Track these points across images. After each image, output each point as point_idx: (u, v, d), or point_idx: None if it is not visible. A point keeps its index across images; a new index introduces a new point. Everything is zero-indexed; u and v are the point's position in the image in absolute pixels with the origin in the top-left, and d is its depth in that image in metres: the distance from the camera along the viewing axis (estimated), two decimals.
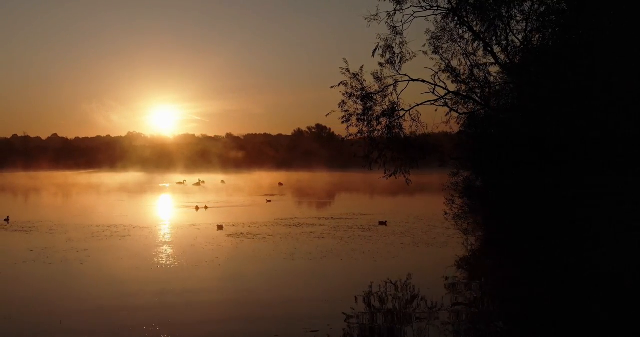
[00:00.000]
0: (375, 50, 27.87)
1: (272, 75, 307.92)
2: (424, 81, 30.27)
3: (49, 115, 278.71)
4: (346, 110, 30.43)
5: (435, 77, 30.70)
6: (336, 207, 44.25)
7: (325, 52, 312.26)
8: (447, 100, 31.27)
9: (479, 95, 31.54)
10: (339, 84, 30.61)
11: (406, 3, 26.82)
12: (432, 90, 30.50)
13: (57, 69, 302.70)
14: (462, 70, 31.72)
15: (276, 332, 12.32)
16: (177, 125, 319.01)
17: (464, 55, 30.71)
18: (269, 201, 48.28)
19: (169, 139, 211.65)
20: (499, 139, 30.24)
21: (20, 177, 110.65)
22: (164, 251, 22.77)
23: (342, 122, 30.76)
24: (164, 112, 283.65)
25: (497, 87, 30.17)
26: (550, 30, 27.69)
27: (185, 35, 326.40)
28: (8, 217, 33.12)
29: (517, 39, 28.71)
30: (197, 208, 39.99)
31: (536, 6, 28.96)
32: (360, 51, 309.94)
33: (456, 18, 27.70)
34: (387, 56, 27.54)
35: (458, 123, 36.86)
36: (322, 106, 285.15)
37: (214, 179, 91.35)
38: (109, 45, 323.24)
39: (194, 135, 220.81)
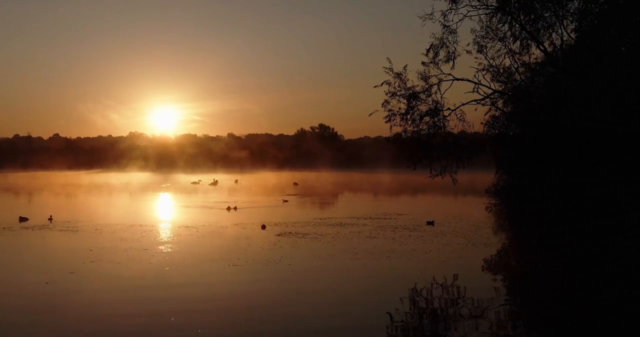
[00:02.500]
0: (429, 49, 28.09)
1: (273, 75, 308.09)
2: (468, 80, 30.51)
3: (50, 115, 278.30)
4: (390, 110, 30.66)
5: (478, 75, 30.95)
6: (366, 207, 44.30)
7: (325, 52, 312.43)
8: (492, 99, 31.50)
9: (524, 93, 31.75)
10: (382, 84, 30.94)
11: (461, 2, 27.06)
12: (475, 90, 30.74)
13: (57, 69, 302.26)
14: (507, 69, 32.00)
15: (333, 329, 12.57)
16: (177, 125, 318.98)
17: (509, 54, 30.95)
18: (286, 201, 48.06)
19: (170, 139, 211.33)
20: (547, 138, 30.45)
21: (29, 178, 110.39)
22: (226, 250, 22.78)
23: (386, 122, 31.03)
24: (165, 112, 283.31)
25: (543, 85, 30.40)
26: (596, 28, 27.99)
27: (185, 35, 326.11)
28: (51, 216, 33.16)
29: (569, 35, 28.93)
30: (228, 209, 39.95)
31: (585, 6, 29.26)
32: (360, 51, 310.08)
33: (508, 17, 27.89)
34: (442, 54, 27.77)
35: (499, 122, 37.08)
36: (323, 106, 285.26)
37: (226, 179, 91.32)
38: (109, 45, 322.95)
39: (195, 135, 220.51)
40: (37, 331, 12.45)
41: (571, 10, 28.87)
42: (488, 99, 31.19)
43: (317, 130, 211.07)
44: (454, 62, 28.26)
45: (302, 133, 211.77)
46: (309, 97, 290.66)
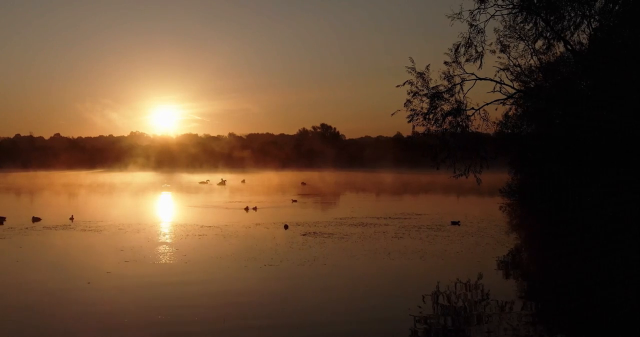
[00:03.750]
0: (457, 48, 28.00)
1: (274, 74, 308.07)
2: (491, 80, 30.39)
3: (50, 115, 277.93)
4: (412, 109, 30.56)
5: (501, 75, 30.86)
6: (381, 207, 44.27)
7: (327, 51, 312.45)
8: (515, 99, 31.43)
9: (548, 93, 31.67)
10: (404, 83, 30.79)
11: (489, 2, 27.04)
12: (498, 89, 30.65)
13: (57, 68, 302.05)
14: (529, 69, 31.93)
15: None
16: (177, 125, 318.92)
17: (533, 53, 30.87)
18: (295, 201, 47.81)
19: (172, 139, 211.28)
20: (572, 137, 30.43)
21: (33, 177, 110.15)
22: (256, 250, 22.75)
23: (408, 121, 30.90)
24: (165, 112, 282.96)
25: (569, 83, 30.34)
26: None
27: (185, 34, 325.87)
28: (72, 216, 33.11)
29: (592, 34, 28.90)
30: (247, 209, 39.82)
31: (606, 5, 29.29)
32: (361, 50, 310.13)
33: (534, 16, 27.83)
34: (470, 53, 27.71)
35: (512, 122, 37.04)
36: (324, 105, 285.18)
37: (232, 178, 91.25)
38: (109, 45, 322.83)
39: (196, 135, 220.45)
40: (99, 327, 12.44)
41: (596, 9, 28.89)
42: (511, 99, 31.10)
43: (318, 129, 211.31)
44: (481, 62, 28.23)
45: (304, 133, 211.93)
46: (309, 96, 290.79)
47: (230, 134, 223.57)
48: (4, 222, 31.65)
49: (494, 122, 36.25)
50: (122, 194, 61.97)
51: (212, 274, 18.41)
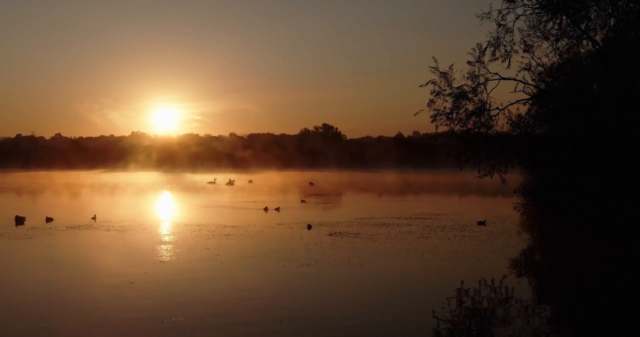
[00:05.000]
0: (486, 47, 28.12)
1: (274, 74, 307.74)
2: (515, 79, 30.50)
3: (50, 115, 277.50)
4: (435, 109, 30.66)
5: (525, 75, 30.96)
6: (397, 207, 44.19)
7: (327, 51, 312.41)
8: (538, 99, 31.51)
9: (569, 92, 31.74)
10: (427, 83, 30.93)
11: (517, 2, 27.15)
12: (522, 89, 30.77)
13: (58, 68, 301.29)
14: (552, 68, 32.02)
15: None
16: (178, 125, 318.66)
17: (556, 53, 30.96)
18: (303, 201, 47.49)
19: (173, 139, 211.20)
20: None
21: (36, 177, 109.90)
22: (287, 250, 22.69)
23: (432, 121, 31.02)
24: (165, 112, 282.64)
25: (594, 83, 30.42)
26: None
27: (186, 34, 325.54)
28: (95, 215, 33.05)
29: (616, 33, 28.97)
30: (266, 209, 39.59)
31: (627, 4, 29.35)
32: (362, 50, 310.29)
33: (559, 14, 27.93)
34: (500, 52, 27.85)
35: (525, 121, 37.03)
36: (325, 105, 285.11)
37: (238, 178, 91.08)
38: (109, 44, 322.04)
39: (197, 135, 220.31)
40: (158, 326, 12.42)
41: (620, 7, 28.98)
42: (534, 99, 31.20)
43: (320, 129, 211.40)
44: (509, 61, 28.37)
45: (305, 133, 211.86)
46: (310, 96, 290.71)
47: (231, 134, 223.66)
48: (25, 222, 31.57)
49: (507, 122, 36.35)
50: (132, 194, 61.89)
51: (253, 274, 18.37)
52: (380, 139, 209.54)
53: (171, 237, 26.38)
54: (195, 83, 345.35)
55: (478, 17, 27.92)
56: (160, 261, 20.35)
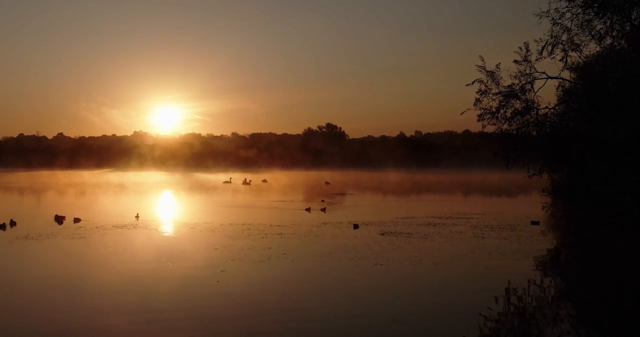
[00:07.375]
0: (544, 47, 28.12)
1: (275, 74, 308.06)
2: (562, 79, 30.46)
3: (51, 114, 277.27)
4: (482, 108, 30.63)
5: (570, 74, 30.95)
6: (429, 207, 44.02)
7: (330, 51, 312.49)
8: (582, 97, 31.50)
9: (607, 90, 31.74)
10: (474, 82, 30.90)
11: (576, 1, 27.18)
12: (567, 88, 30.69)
13: (58, 68, 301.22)
14: (597, 65, 32.01)
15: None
16: (179, 124, 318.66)
17: (603, 52, 30.94)
18: (322, 201, 46.91)
19: (175, 138, 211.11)
20: None
21: (40, 176, 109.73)
22: (351, 249, 22.57)
23: (478, 120, 30.99)
24: (166, 111, 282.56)
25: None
26: None
27: (187, 33, 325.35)
28: (138, 214, 32.92)
29: None
30: (308, 209, 39.09)
31: None
32: (365, 49, 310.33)
33: (608, 12, 27.96)
34: (558, 51, 27.88)
35: (550, 121, 36.94)
36: (327, 105, 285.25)
37: (252, 178, 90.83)
38: (110, 44, 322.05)
39: (199, 134, 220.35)
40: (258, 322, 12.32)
41: None
42: (579, 98, 31.17)
43: (324, 129, 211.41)
44: (566, 61, 28.38)
45: (309, 132, 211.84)
46: (312, 96, 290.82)
47: (233, 134, 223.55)
48: (63, 222, 31.35)
49: (527, 122, 36.26)
50: (155, 194, 61.67)
51: (329, 273, 18.26)
52: (383, 138, 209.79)
53: (225, 237, 26.12)
54: (197, 82, 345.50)
55: (536, 15, 27.93)
56: (232, 260, 20.13)
